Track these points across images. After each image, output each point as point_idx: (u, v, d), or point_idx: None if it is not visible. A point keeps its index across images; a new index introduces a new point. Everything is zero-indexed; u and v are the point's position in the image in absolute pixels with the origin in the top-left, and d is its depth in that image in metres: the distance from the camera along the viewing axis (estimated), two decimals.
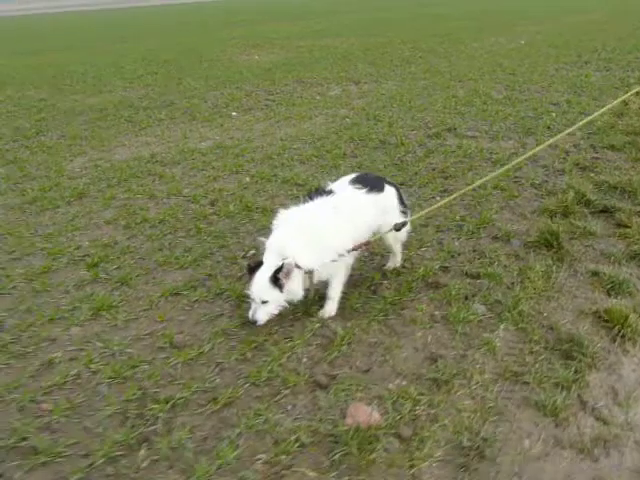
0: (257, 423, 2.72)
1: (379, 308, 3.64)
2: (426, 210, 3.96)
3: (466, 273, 3.98)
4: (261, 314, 3.30)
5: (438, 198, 5.19)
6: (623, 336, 3.25)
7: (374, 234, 3.69)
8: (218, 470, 2.48)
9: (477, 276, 3.92)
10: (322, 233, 3.36)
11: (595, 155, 6.09)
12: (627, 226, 4.52)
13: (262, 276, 3.23)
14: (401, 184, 5.43)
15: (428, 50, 14.64)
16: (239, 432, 2.67)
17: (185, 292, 3.95)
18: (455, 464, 2.47)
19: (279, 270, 3.17)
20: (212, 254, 4.51)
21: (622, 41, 13.96)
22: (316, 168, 6.27)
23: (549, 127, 7.20)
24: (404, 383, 2.97)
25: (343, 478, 2.42)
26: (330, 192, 3.53)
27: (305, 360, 3.22)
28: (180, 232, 4.93)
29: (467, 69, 11.63)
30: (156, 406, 2.85)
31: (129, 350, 3.37)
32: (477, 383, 2.92)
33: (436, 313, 3.59)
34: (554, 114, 7.74)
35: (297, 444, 2.59)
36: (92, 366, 3.22)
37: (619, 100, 4.06)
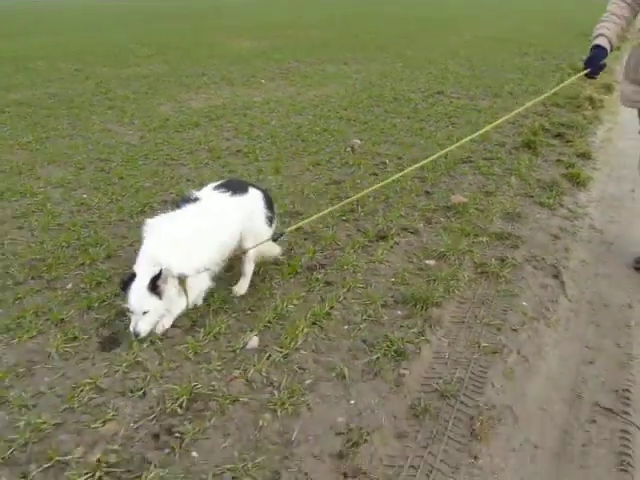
0: None
1: None
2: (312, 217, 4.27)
3: (484, 158, 6.77)
4: (143, 325, 3.17)
5: (450, 127, 8.00)
6: (578, 182, 6.14)
7: (240, 241, 3.69)
8: None
9: (491, 159, 6.74)
10: (192, 240, 3.31)
11: (546, 109, 9.07)
12: (572, 141, 7.47)
13: (139, 286, 3.11)
14: (420, 121, 8.17)
15: (395, 42, 17.52)
16: None
17: None
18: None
19: (157, 277, 3.10)
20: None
21: (554, 39, 17.33)
22: (356, 111, 8.88)
23: (511, 93, 10.12)
24: None
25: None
26: (196, 199, 3.54)
27: None
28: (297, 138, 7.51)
29: (432, 56, 14.48)
30: None
31: None
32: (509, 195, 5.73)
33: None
34: (512, 84, 10.71)
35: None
36: None
37: (572, 79, 4.70)
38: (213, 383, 3.00)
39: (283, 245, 4.20)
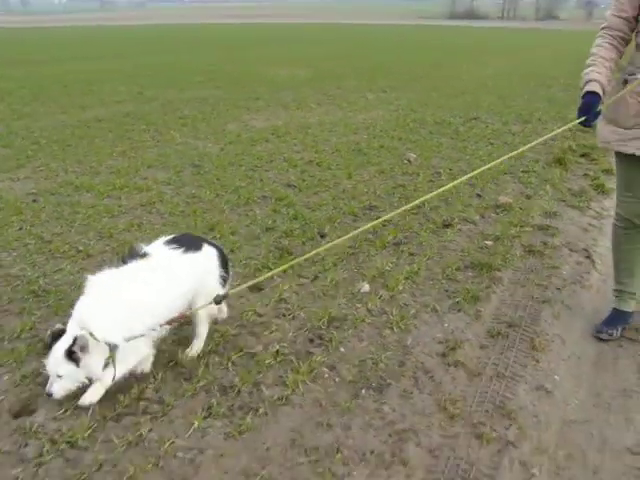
0: None
1: None
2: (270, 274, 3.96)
3: (522, 171, 7.99)
4: (57, 388, 2.95)
5: (489, 147, 9.26)
6: (602, 191, 7.34)
7: (190, 304, 3.43)
8: None
9: (528, 171, 7.95)
10: (130, 301, 3.03)
11: (572, 133, 10.29)
12: (596, 160, 8.71)
13: (58, 348, 2.90)
14: (462, 141, 9.42)
15: (426, 73, 18.91)
16: None
17: None
18: None
19: (74, 343, 2.84)
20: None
21: (574, 73, 18.65)
22: (404, 132, 10.08)
23: (539, 119, 11.37)
24: None
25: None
26: (144, 255, 3.26)
27: None
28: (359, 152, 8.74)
29: (463, 86, 15.78)
30: None
31: None
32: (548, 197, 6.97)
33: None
34: (540, 112, 11.97)
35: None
36: None
37: (566, 127, 3.95)
38: (343, 311, 4.21)
39: None
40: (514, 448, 3.03)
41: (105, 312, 3.00)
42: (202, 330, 3.61)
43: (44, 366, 3.03)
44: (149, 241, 4.89)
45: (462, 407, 3.26)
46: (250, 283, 3.69)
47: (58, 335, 2.99)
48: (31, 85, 15.97)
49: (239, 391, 3.35)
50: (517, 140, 9.23)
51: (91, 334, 2.92)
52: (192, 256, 3.39)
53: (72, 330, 2.95)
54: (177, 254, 3.34)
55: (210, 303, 3.40)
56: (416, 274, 4.71)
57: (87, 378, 3.03)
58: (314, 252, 3.68)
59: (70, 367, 2.93)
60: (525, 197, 6.63)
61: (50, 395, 2.99)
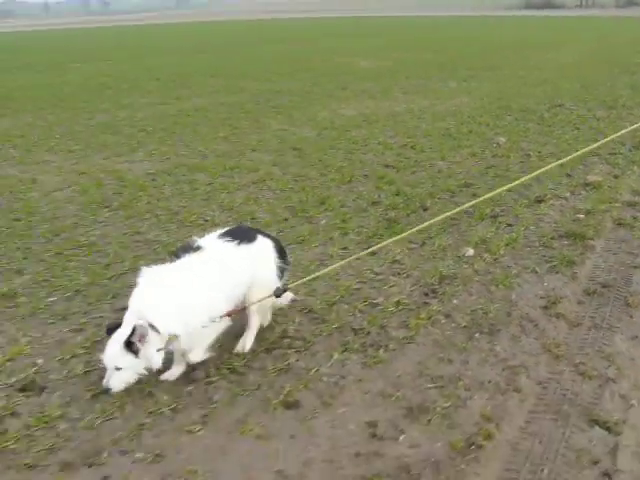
0: None
1: None
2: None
3: (609, 153, 8.17)
4: (115, 382, 2.97)
5: (575, 131, 9.55)
6: None
7: (246, 295, 3.46)
8: None
9: (615, 154, 8.19)
10: (188, 293, 3.10)
11: None
12: None
13: (116, 340, 2.95)
14: (548, 126, 9.70)
15: (504, 63, 19.02)
16: None
17: None
18: None
19: (133, 333, 2.89)
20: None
21: None
22: (490, 119, 10.45)
23: (624, 105, 11.49)
24: None
25: None
26: (198, 248, 3.29)
27: None
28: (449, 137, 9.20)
29: (543, 75, 15.86)
30: None
31: None
32: None
33: None
34: (624, 98, 12.08)
35: None
36: None
37: None
38: (452, 270, 4.77)
39: None
40: (614, 384, 3.47)
41: (163, 303, 3.05)
42: (254, 323, 3.64)
43: (100, 361, 3.10)
44: (268, 212, 5.69)
45: (565, 350, 3.75)
46: (312, 276, 3.94)
47: (113, 328, 3.03)
48: (126, 79, 17.07)
49: (368, 332, 3.95)
50: (602, 125, 9.48)
51: (151, 325, 2.96)
52: (246, 248, 3.42)
53: (129, 322, 2.97)
54: (231, 247, 3.37)
55: (270, 296, 3.47)
56: (515, 241, 5.19)
57: (146, 369, 3.08)
58: (427, 224, 4.21)
59: (129, 358, 2.96)
60: (613, 177, 6.97)
61: (108, 390, 3.01)
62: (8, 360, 3.70)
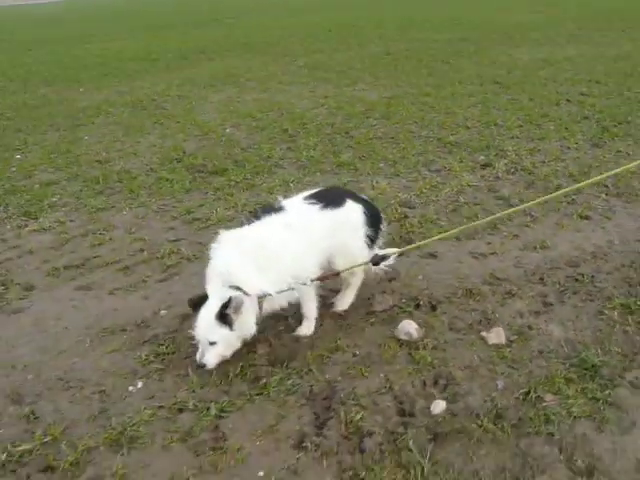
0: None
1: None
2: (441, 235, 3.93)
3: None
4: (210, 357, 2.87)
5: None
6: None
7: (329, 262, 3.27)
8: None
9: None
10: (274, 254, 2.96)
11: None
12: None
13: (207, 313, 2.82)
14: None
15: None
16: None
17: None
18: None
19: (227, 305, 2.75)
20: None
21: None
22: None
23: None
24: None
25: None
26: (280, 209, 3.10)
27: None
28: None
29: None
30: None
31: None
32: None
33: None
34: None
35: None
36: None
37: None
38: None
39: None
40: None
41: (251, 266, 2.91)
42: (353, 282, 3.50)
43: (192, 337, 2.96)
44: (503, 120, 7.86)
45: None
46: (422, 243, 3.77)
47: (198, 302, 2.90)
48: (301, 34, 19.97)
49: None
50: None
51: (242, 290, 2.83)
52: (330, 213, 3.18)
53: (217, 292, 2.86)
54: (314, 210, 3.15)
55: (366, 263, 3.28)
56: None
57: (241, 339, 2.98)
58: None
59: (224, 331, 2.85)
60: None
61: (203, 366, 2.88)
62: None
